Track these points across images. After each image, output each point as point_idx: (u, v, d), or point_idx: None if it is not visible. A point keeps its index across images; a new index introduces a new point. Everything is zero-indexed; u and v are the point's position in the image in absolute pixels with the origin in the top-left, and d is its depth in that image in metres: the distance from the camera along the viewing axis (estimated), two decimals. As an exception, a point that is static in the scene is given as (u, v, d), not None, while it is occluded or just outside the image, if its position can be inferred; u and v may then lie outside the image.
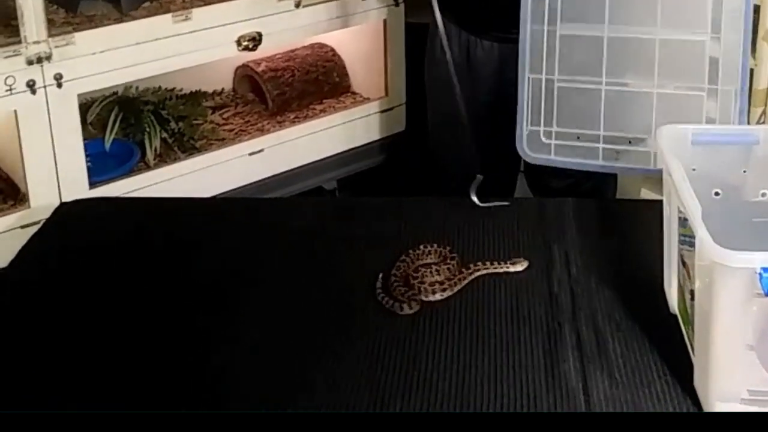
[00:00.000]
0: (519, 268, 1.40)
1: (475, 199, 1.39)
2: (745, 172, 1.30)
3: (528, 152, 1.58)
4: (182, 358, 1.25)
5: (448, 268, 1.38)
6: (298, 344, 1.27)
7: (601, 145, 1.53)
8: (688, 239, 1.16)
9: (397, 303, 1.32)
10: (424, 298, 1.34)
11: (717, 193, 1.29)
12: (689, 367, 1.16)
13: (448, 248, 1.44)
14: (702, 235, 1.05)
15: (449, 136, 1.88)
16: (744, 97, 1.46)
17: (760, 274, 1.01)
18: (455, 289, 1.35)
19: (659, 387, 1.16)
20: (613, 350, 1.23)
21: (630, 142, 1.52)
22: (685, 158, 1.25)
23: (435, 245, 1.44)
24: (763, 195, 1.30)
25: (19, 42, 1.82)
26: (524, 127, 1.57)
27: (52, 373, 1.22)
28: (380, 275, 1.37)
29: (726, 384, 1.09)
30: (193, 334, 1.29)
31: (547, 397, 1.15)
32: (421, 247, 1.44)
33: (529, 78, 1.55)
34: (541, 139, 1.56)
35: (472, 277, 1.37)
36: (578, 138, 1.54)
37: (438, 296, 1.34)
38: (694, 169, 1.25)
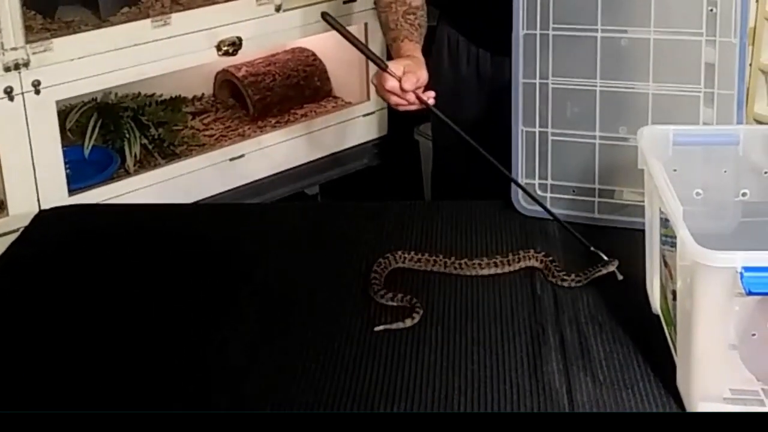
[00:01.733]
0: (611, 268, 1.38)
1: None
2: (725, 172, 1.31)
3: (524, 204, 1.57)
4: (168, 361, 1.24)
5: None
6: (281, 348, 1.26)
7: (596, 199, 1.53)
8: (669, 240, 1.16)
9: (402, 321, 1.30)
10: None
11: (698, 194, 1.29)
12: (672, 367, 1.16)
13: (425, 254, 1.43)
14: (683, 235, 1.05)
15: (451, 143, 1.87)
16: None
17: (741, 273, 1.01)
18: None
19: (642, 387, 1.16)
20: (596, 351, 1.23)
21: (625, 195, 1.50)
22: (666, 159, 1.26)
23: (412, 252, 1.43)
24: (744, 195, 1.30)
25: (-4, 48, 1.80)
26: (519, 180, 1.56)
27: (31, 380, 1.21)
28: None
29: (708, 384, 1.09)
30: (175, 341, 1.28)
31: (531, 398, 1.15)
32: (399, 252, 1.43)
33: (522, 131, 1.55)
34: (536, 192, 1.55)
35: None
36: (574, 191, 1.53)
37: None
38: (675, 170, 1.26)
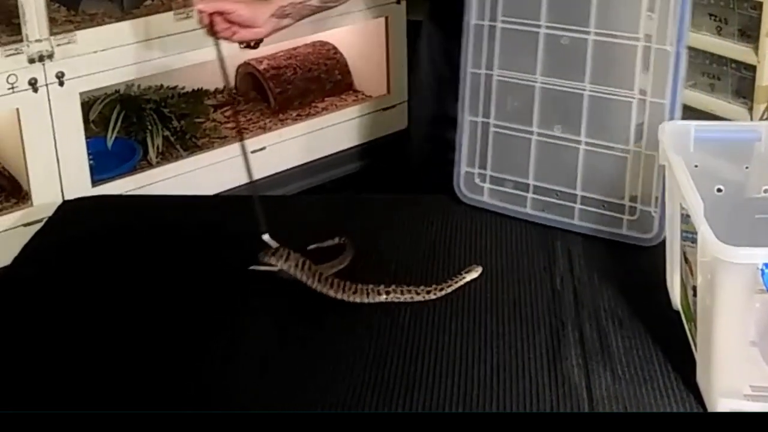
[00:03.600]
0: (474, 275, 1.36)
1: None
2: (747, 168, 1.30)
3: (464, 192, 1.57)
4: (183, 357, 1.25)
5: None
6: (299, 342, 1.27)
7: (530, 195, 1.52)
8: (690, 235, 1.16)
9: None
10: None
11: (719, 190, 1.29)
12: (692, 364, 1.16)
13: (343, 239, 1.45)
14: (704, 231, 1.05)
15: (430, 135, 1.86)
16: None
17: (762, 270, 1.01)
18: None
19: (662, 383, 1.16)
20: (615, 347, 1.23)
21: (557, 195, 1.50)
22: (688, 155, 1.25)
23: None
24: (766, 191, 1.30)
25: (21, 40, 1.82)
26: (461, 167, 1.57)
27: (54, 372, 1.22)
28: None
29: (728, 380, 1.09)
30: (194, 333, 1.29)
31: (550, 393, 1.15)
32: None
33: (467, 119, 1.55)
34: (475, 181, 1.56)
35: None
36: (509, 184, 1.53)
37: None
38: (696, 166, 1.25)
